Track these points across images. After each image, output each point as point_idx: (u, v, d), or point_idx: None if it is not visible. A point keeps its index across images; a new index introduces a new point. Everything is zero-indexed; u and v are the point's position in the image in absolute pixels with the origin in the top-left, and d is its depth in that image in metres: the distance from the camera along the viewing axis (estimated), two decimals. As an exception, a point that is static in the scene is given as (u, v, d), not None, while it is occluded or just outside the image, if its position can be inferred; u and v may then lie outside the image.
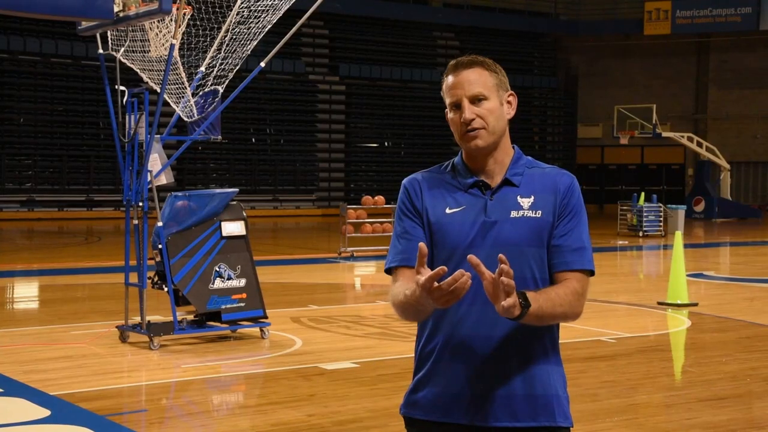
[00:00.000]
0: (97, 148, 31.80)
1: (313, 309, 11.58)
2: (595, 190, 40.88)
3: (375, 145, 37.96)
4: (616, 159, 41.72)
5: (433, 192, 2.72)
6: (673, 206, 24.79)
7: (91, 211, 31.58)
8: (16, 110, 31.32)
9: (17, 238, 24.38)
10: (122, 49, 9.26)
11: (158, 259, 9.01)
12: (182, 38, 9.10)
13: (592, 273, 2.70)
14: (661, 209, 24.85)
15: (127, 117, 9.18)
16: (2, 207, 30.40)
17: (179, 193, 9.23)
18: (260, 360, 8.57)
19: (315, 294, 13.25)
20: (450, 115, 2.72)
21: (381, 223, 18.55)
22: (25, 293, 13.91)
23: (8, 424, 6.15)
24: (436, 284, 2.36)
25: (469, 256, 2.41)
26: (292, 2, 9.41)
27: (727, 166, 34.10)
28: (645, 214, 24.38)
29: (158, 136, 9.17)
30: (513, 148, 2.78)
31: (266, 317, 9.39)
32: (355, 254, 18.03)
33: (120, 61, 9.33)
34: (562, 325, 2.79)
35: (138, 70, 9.38)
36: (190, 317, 9.30)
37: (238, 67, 9.60)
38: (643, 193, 25.26)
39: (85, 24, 9.10)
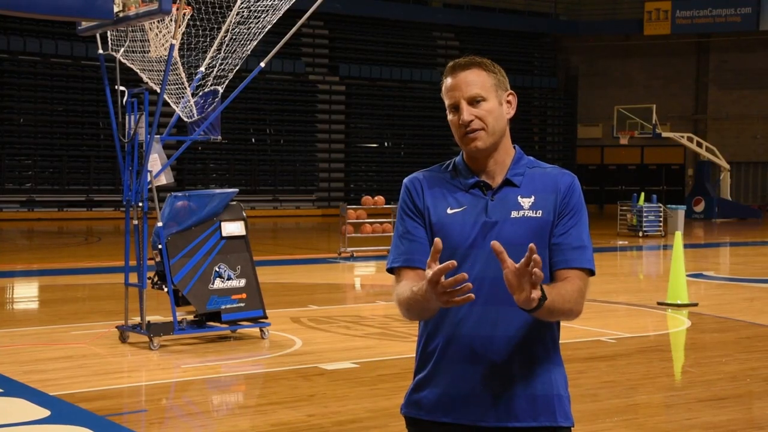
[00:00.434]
0: (97, 148, 31.81)
1: (313, 309, 11.58)
2: (595, 190, 40.89)
3: (375, 145, 37.96)
4: (616, 159, 41.73)
5: (434, 192, 2.72)
6: (673, 206, 24.78)
7: (91, 212, 31.58)
8: (16, 110, 31.33)
9: (17, 238, 24.38)
10: (122, 50, 9.26)
11: (158, 259, 9.01)
12: (182, 38, 9.10)
13: (592, 273, 2.70)
14: (661, 209, 24.85)
15: (127, 117, 9.18)
16: (2, 207, 30.40)
17: (179, 194, 9.23)
18: (260, 360, 8.57)
19: (315, 294, 13.25)
20: (449, 116, 2.72)
21: (381, 223, 18.55)
22: (25, 293, 13.91)
23: (8, 424, 6.15)
24: (443, 279, 2.35)
25: (492, 243, 2.41)
26: (292, 2, 9.41)
27: (727, 166, 34.10)
28: (645, 214, 24.38)
29: (158, 136, 9.17)
30: (514, 148, 2.78)
31: (266, 317, 9.39)
32: (354, 254, 18.03)
33: (120, 62, 9.33)
34: (561, 325, 2.79)
35: (138, 71, 9.38)
36: (190, 317, 9.30)
37: (237, 68, 9.60)
38: (642, 194, 25.26)
39: (85, 24, 9.10)
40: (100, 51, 9.37)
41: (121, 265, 10.03)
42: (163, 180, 9.06)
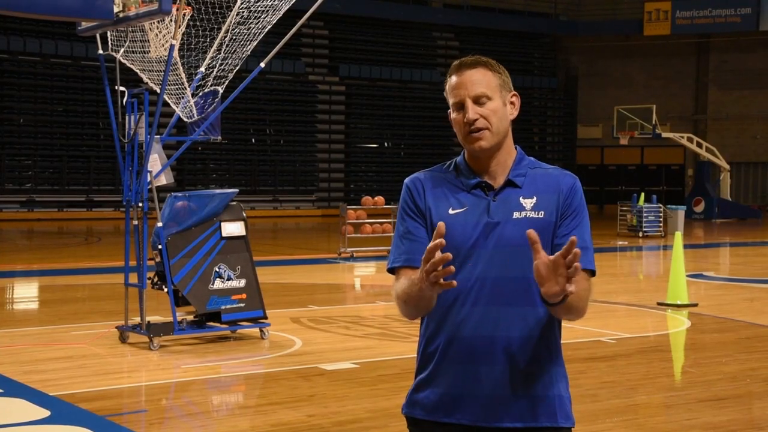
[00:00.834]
0: (97, 148, 31.81)
1: (312, 309, 11.58)
2: (595, 190, 40.88)
3: (375, 145, 37.96)
4: (615, 159, 41.73)
5: (436, 192, 2.72)
6: (673, 207, 24.78)
7: (91, 212, 31.58)
8: (16, 110, 31.33)
9: (17, 238, 24.38)
10: (122, 50, 9.26)
11: (158, 259, 9.01)
12: (182, 39, 9.10)
13: (593, 273, 2.70)
14: (661, 210, 24.85)
15: (126, 117, 9.18)
16: (2, 207, 30.40)
17: (179, 194, 9.23)
18: (260, 360, 8.57)
19: (315, 294, 13.25)
20: (453, 115, 2.71)
21: (381, 223, 18.56)
22: (25, 294, 13.91)
23: (8, 424, 6.15)
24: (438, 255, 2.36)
25: (528, 231, 2.43)
26: (292, 2, 9.41)
27: (727, 166, 34.10)
28: (645, 214, 24.38)
29: (158, 136, 9.17)
30: (515, 148, 2.78)
31: (266, 318, 9.39)
32: (354, 255, 18.03)
33: (120, 62, 9.33)
34: (562, 325, 2.79)
35: (138, 71, 9.38)
36: (190, 318, 9.30)
37: (237, 68, 9.60)
38: (642, 194, 25.27)
39: (85, 24, 9.10)
40: (100, 51, 9.37)
41: (121, 265, 10.03)
42: (163, 180, 9.06)
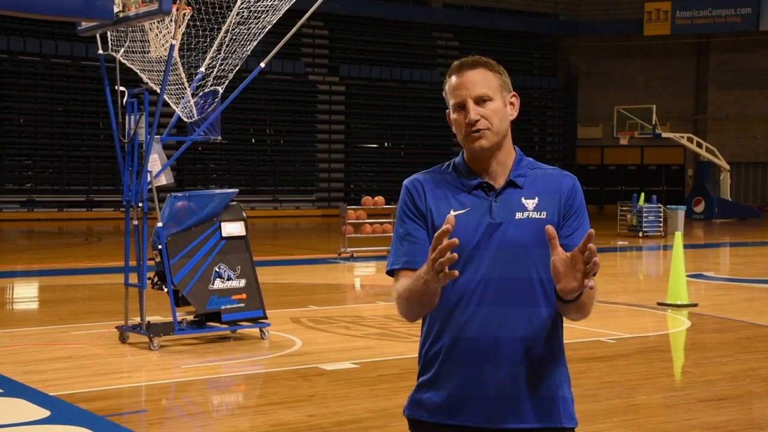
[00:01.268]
0: (97, 148, 31.81)
1: (312, 309, 11.58)
2: (595, 190, 40.87)
3: (375, 145, 37.96)
4: (615, 159, 41.72)
5: (437, 193, 2.71)
6: (673, 207, 24.79)
7: (91, 212, 31.58)
8: (16, 110, 31.33)
9: (17, 238, 24.38)
10: (122, 50, 9.26)
11: (158, 259, 9.01)
12: (182, 39, 9.10)
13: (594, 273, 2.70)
14: (661, 210, 24.85)
15: (126, 117, 9.18)
16: (2, 207, 30.40)
17: (179, 194, 9.23)
18: (260, 360, 8.57)
19: (315, 294, 13.25)
20: (453, 115, 2.71)
21: (381, 223, 18.56)
22: (25, 294, 13.91)
23: (8, 424, 6.15)
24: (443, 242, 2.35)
25: (547, 227, 2.44)
26: (292, 2, 9.41)
27: (727, 166, 34.11)
28: (645, 214, 24.38)
29: (158, 136, 9.17)
30: (514, 149, 2.77)
31: (266, 318, 9.39)
32: (354, 255, 18.03)
33: (120, 62, 9.33)
34: (564, 325, 2.80)
35: (138, 71, 9.38)
36: (190, 318, 9.30)
37: (237, 68, 9.60)
38: (642, 194, 25.27)
39: (85, 24, 9.10)
40: (100, 51, 9.38)
41: (121, 265, 10.03)
42: (163, 180, 9.06)
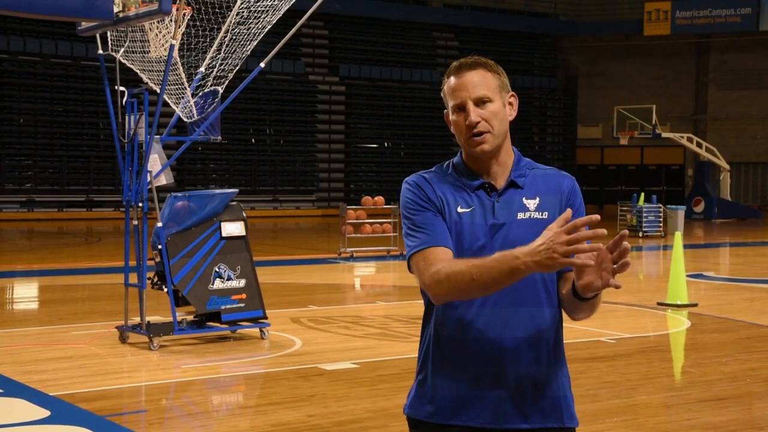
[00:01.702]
0: (97, 148, 31.81)
1: (312, 309, 11.58)
2: (595, 190, 40.87)
3: (375, 145, 37.96)
4: (615, 159, 41.72)
5: (444, 191, 2.69)
6: (673, 207, 24.79)
7: (91, 212, 31.58)
8: (16, 110, 31.33)
9: (17, 238, 24.38)
10: (122, 50, 9.26)
11: (158, 259, 9.01)
12: (182, 39, 9.10)
13: None
14: (661, 210, 24.85)
15: (126, 117, 9.18)
16: (2, 207, 30.40)
17: (179, 194, 9.23)
18: (260, 360, 8.57)
19: (315, 294, 13.25)
20: (453, 117, 2.70)
21: (381, 223, 18.56)
22: (25, 294, 13.91)
23: (8, 424, 6.15)
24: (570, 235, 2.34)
25: (590, 218, 2.40)
26: (292, 2, 9.41)
27: (727, 166, 34.10)
28: (645, 214, 24.39)
29: (158, 136, 9.17)
30: (512, 149, 2.77)
31: (266, 318, 9.39)
32: (354, 255, 18.03)
33: (120, 62, 9.33)
34: (563, 325, 2.79)
35: (138, 71, 9.38)
36: (190, 318, 9.30)
37: (237, 68, 9.60)
38: (642, 194, 25.27)
39: (85, 24, 9.10)
40: (100, 51, 9.38)
41: (121, 265, 10.03)
42: (163, 180, 9.06)
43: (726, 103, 40.76)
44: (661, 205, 25.04)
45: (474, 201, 2.67)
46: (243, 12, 9.55)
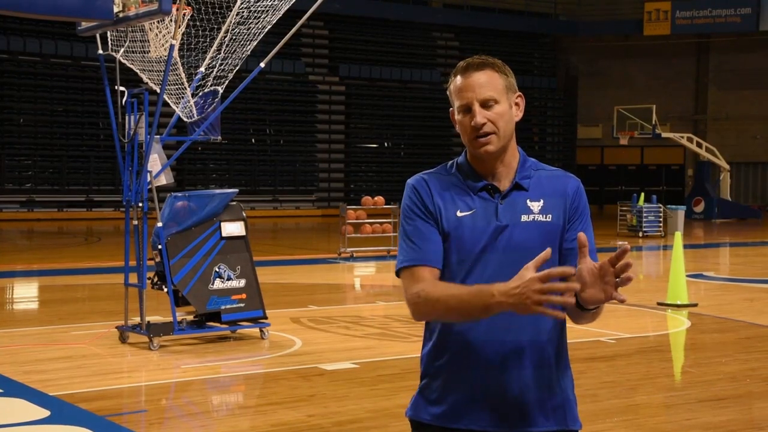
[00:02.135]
0: (97, 148, 31.80)
1: (312, 309, 11.58)
2: (595, 190, 40.85)
3: (375, 145, 37.95)
4: (615, 159, 41.72)
5: (443, 194, 2.66)
6: (673, 207, 24.78)
7: (91, 212, 31.58)
8: (16, 110, 31.33)
9: (17, 238, 24.38)
10: (122, 50, 9.26)
11: (158, 259, 9.01)
12: (182, 39, 9.10)
13: None
14: (661, 210, 24.85)
15: (126, 117, 9.18)
16: (2, 207, 30.40)
17: (179, 194, 9.23)
18: (260, 360, 8.57)
19: (315, 294, 13.25)
20: (458, 117, 2.67)
21: (381, 223, 18.56)
22: (25, 293, 13.91)
23: (8, 424, 6.15)
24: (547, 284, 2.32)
25: (579, 234, 2.43)
26: (292, 2, 9.41)
27: (727, 166, 34.10)
28: (645, 214, 24.38)
29: (158, 136, 9.17)
30: (517, 150, 2.75)
31: (266, 318, 9.39)
32: (354, 255, 18.02)
33: (120, 62, 9.33)
34: (566, 328, 2.79)
35: (138, 71, 9.38)
36: (190, 318, 9.30)
37: (237, 68, 9.60)
38: (642, 194, 25.27)
39: (85, 24, 9.10)
40: (100, 51, 9.38)
41: (121, 265, 10.03)
42: (163, 180, 9.06)
43: (726, 103, 40.75)
44: (661, 205, 25.04)
45: (476, 203, 2.65)
46: (243, 12, 9.55)
